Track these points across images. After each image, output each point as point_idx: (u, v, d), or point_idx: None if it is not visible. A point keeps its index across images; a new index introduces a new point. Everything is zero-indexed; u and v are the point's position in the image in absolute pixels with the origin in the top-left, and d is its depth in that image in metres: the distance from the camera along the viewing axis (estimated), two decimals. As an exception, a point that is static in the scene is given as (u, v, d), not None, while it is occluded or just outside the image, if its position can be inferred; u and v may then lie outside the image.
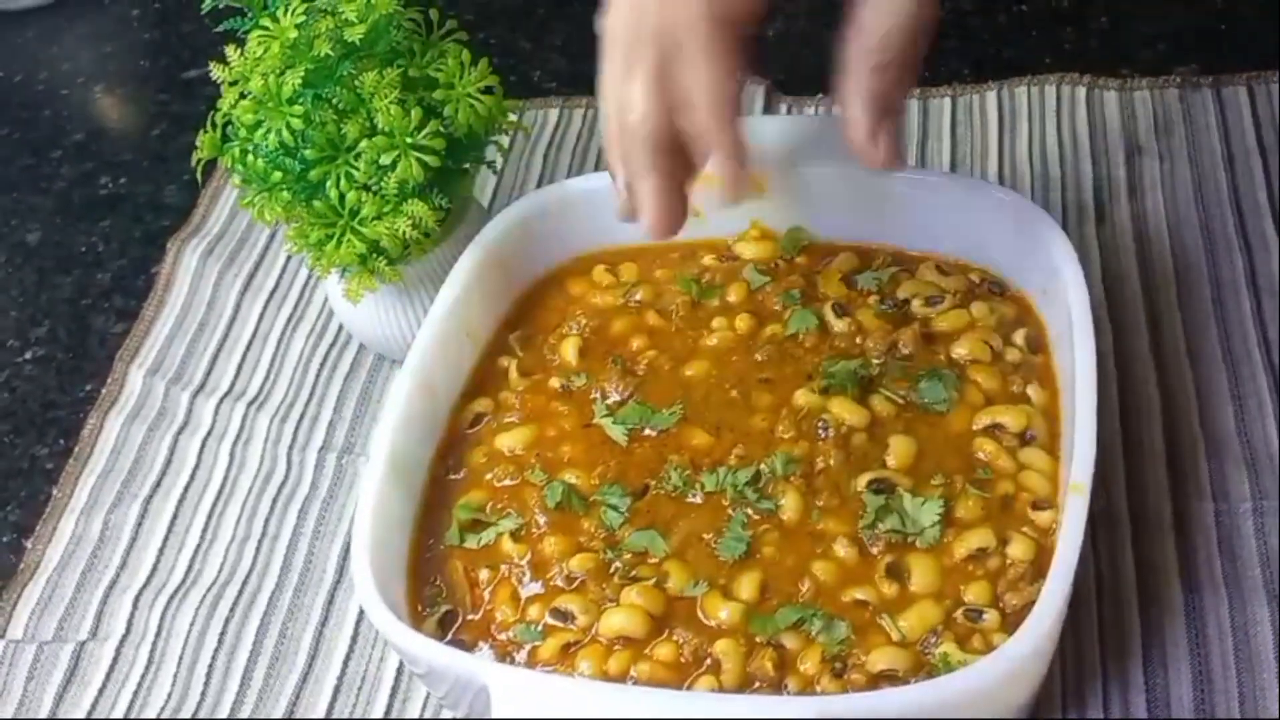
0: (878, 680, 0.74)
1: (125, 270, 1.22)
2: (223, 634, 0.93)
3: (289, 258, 1.17)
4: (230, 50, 0.92)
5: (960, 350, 0.88)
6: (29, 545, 1.01)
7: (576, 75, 1.33)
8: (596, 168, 1.21)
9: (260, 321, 1.13)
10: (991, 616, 0.76)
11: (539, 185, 1.20)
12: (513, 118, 0.99)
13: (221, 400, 1.08)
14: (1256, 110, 1.12)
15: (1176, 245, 1.04)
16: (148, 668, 0.92)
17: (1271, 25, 1.21)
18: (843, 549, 0.80)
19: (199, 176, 0.96)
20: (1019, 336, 0.89)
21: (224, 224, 1.22)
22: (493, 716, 0.71)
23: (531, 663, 0.78)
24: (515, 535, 0.84)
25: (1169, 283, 1.02)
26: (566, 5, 1.42)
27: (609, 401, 0.89)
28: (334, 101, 0.90)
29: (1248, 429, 0.92)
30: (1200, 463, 0.91)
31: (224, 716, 0.89)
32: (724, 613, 0.78)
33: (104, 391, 1.10)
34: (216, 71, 0.92)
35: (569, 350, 0.93)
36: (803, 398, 0.86)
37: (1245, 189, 1.07)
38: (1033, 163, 1.13)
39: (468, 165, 0.98)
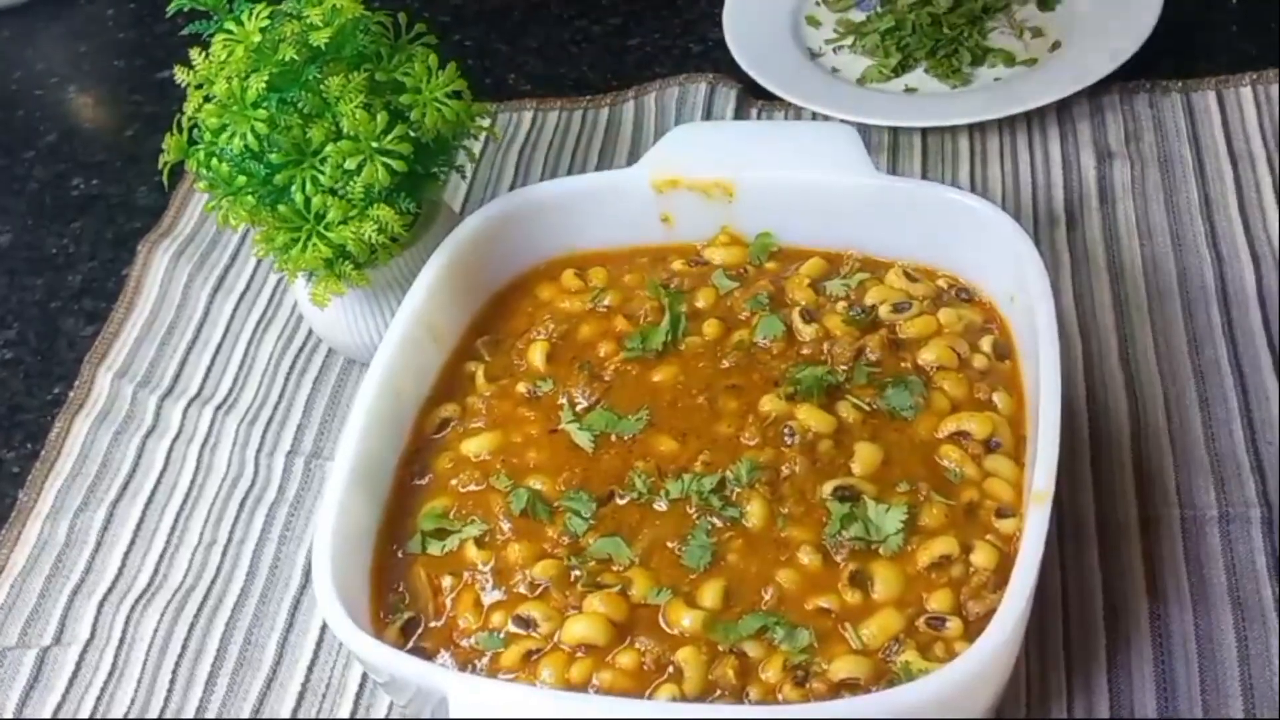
0: (839, 688, 0.74)
1: (96, 272, 1.22)
2: (187, 639, 0.92)
3: (259, 261, 1.17)
4: (195, 53, 0.92)
5: (927, 356, 0.88)
6: (-6, 549, 1.00)
7: (551, 77, 1.33)
8: (569, 171, 1.21)
9: (230, 324, 1.13)
10: (954, 625, 0.76)
11: (511, 188, 1.19)
12: (482, 122, 0.99)
13: (190, 403, 1.07)
14: (1226, 116, 1.13)
15: (1146, 252, 1.05)
16: (111, 673, 0.91)
17: (1241, 30, 1.21)
18: (807, 556, 0.79)
19: (166, 179, 0.95)
20: (986, 343, 0.89)
21: (195, 226, 1.22)
22: (451, 724, 0.71)
23: (493, 670, 0.78)
24: (479, 542, 0.83)
25: (1139, 290, 1.02)
26: (542, 8, 1.41)
27: (576, 407, 0.89)
28: (299, 105, 0.89)
29: (1215, 437, 0.92)
30: (1167, 470, 0.91)
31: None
32: (687, 620, 0.77)
33: (72, 394, 1.09)
34: (180, 75, 0.91)
35: (536, 355, 0.93)
36: (769, 404, 0.86)
37: (1215, 195, 1.07)
38: (1003, 169, 1.13)
39: (436, 169, 0.97)
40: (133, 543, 0.99)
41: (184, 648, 0.92)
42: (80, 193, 1.31)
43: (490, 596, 0.81)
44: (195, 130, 0.93)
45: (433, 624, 0.81)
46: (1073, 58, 1.20)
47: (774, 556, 0.80)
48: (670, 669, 0.76)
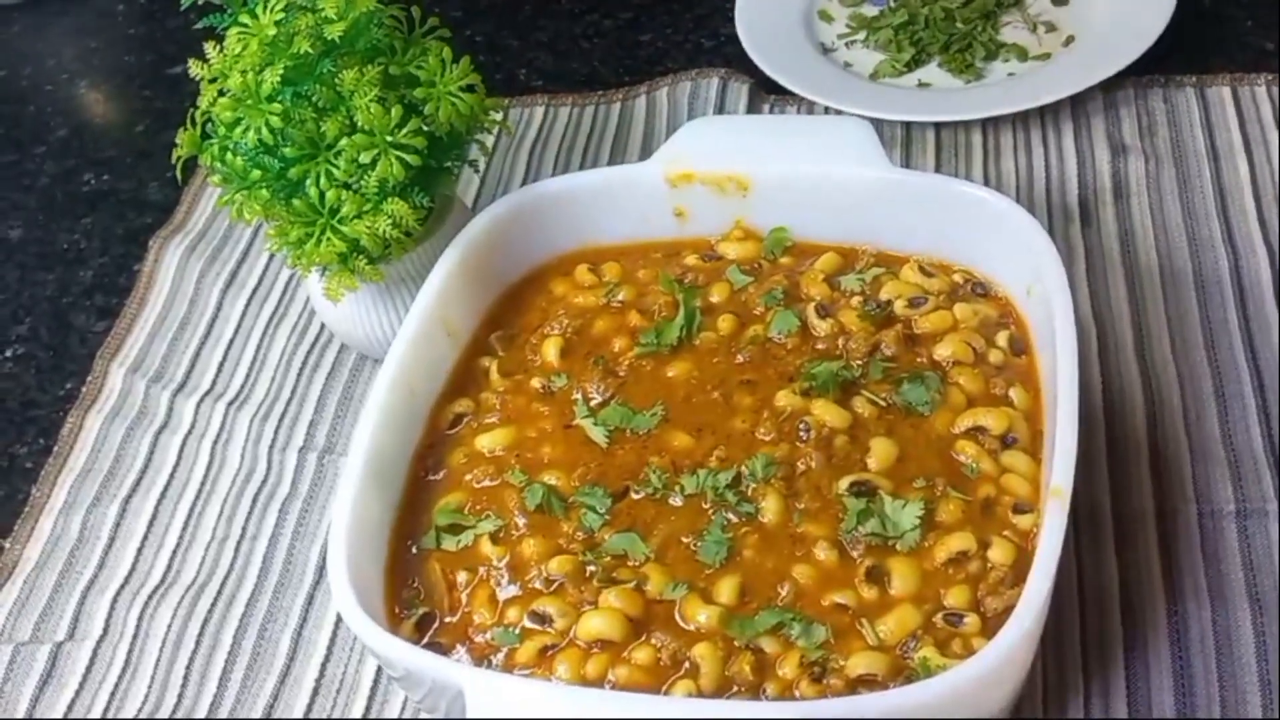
0: (856, 685, 0.74)
1: (107, 268, 1.22)
2: (201, 635, 0.92)
3: (271, 256, 1.17)
4: (209, 47, 0.91)
5: (943, 352, 0.88)
6: (7, 545, 1.00)
7: (562, 73, 1.32)
8: (581, 166, 1.21)
9: (242, 320, 1.13)
10: (971, 621, 0.75)
11: (523, 183, 1.19)
12: (495, 116, 0.98)
13: (202, 399, 1.07)
14: (1240, 110, 1.12)
15: (1161, 247, 1.04)
16: (125, 669, 0.91)
17: (1255, 25, 1.21)
18: (823, 552, 0.79)
19: (179, 174, 0.95)
20: (1002, 338, 0.88)
21: (207, 221, 1.22)
22: (468, 720, 0.71)
23: (509, 665, 0.78)
24: (494, 537, 0.83)
25: (1154, 284, 1.02)
26: (553, 3, 1.41)
27: (590, 402, 0.89)
28: (313, 99, 0.89)
29: (1232, 432, 0.92)
30: (1184, 466, 0.91)
31: (201, 718, 0.88)
32: (703, 616, 0.77)
33: (84, 390, 1.09)
34: (195, 69, 0.91)
35: (550, 350, 0.92)
36: (784, 399, 0.86)
37: (1230, 190, 1.07)
38: (1017, 164, 1.13)
39: (450, 164, 0.97)
40: (146, 538, 0.99)
41: (197, 643, 0.92)
42: (91, 188, 1.31)
43: (505, 592, 0.81)
44: (209, 125, 0.93)
45: (448, 619, 0.81)
46: (1086, 53, 1.19)
47: (790, 552, 0.80)
48: (686, 665, 0.76)
